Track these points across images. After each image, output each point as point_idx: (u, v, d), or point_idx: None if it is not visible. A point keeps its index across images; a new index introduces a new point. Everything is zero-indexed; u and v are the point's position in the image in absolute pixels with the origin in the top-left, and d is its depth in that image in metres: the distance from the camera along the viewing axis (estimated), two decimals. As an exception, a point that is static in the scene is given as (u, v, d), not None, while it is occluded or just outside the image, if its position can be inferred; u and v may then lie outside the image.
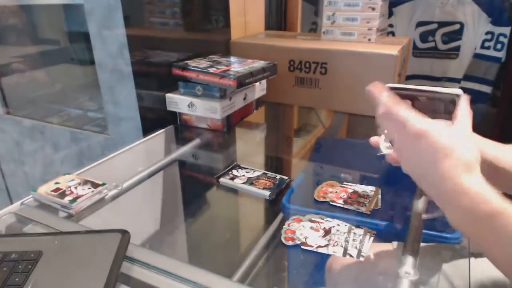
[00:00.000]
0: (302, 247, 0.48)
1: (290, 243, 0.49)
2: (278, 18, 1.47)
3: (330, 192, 0.60)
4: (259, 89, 0.99)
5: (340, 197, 0.59)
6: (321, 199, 0.59)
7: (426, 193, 0.39)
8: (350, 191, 0.61)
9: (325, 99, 0.99)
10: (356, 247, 0.48)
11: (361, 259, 0.46)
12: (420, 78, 1.66)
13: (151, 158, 0.77)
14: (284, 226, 0.53)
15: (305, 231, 0.51)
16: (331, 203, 0.57)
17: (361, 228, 0.52)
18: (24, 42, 1.15)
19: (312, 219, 0.54)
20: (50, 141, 1.04)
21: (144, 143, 0.82)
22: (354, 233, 0.50)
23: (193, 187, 0.71)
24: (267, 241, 0.51)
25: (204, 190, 0.69)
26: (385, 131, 0.40)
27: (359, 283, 0.45)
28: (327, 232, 0.51)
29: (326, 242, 0.49)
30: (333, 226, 0.52)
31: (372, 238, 0.50)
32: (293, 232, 0.51)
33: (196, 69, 0.84)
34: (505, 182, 0.42)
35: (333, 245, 0.48)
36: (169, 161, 0.75)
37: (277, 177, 0.66)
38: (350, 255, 0.47)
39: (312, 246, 0.48)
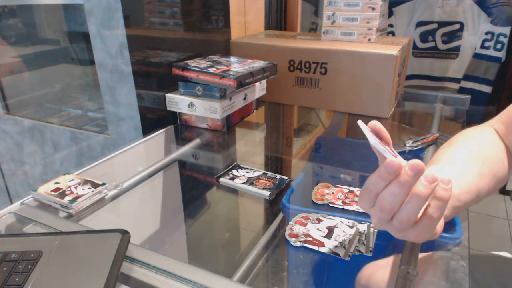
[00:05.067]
0: (305, 245, 0.48)
1: (293, 240, 0.49)
2: (278, 18, 1.47)
3: (327, 194, 0.60)
4: (259, 89, 0.99)
5: (338, 197, 0.59)
6: (320, 202, 0.58)
7: None
8: (346, 191, 0.61)
9: (325, 99, 0.99)
10: (363, 243, 0.48)
11: (369, 254, 0.46)
12: (420, 78, 1.66)
13: (151, 158, 0.77)
14: (290, 223, 0.53)
15: (310, 227, 0.51)
16: (330, 205, 0.57)
17: (364, 223, 0.52)
18: (24, 42, 1.15)
19: (319, 218, 0.54)
20: (50, 141, 1.04)
21: (144, 143, 0.82)
22: (358, 229, 0.50)
23: (193, 187, 0.71)
24: (267, 241, 0.51)
25: (204, 190, 0.69)
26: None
27: None
28: (331, 230, 0.51)
29: (330, 240, 0.49)
30: (337, 224, 0.52)
31: (376, 233, 0.50)
32: (298, 229, 0.51)
33: (196, 69, 0.84)
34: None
35: (336, 246, 0.48)
36: (169, 161, 0.75)
37: (277, 177, 0.66)
38: (359, 251, 0.47)
39: (315, 244, 0.48)
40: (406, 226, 0.36)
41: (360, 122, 0.38)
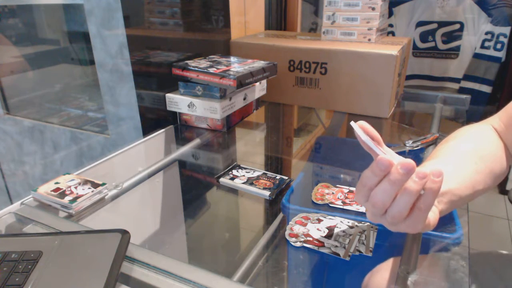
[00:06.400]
0: (305, 245, 0.48)
1: (293, 240, 0.49)
2: (278, 18, 1.47)
3: (327, 194, 0.60)
4: (259, 89, 0.99)
5: (338, 197, 0.59)
6: (320, 202, 0.58)
7: None
8: (346, 191, 0.61)
9: (325, 99, 0.99)
10: (363, 243, 0.48)
11: (369, 254, 0.46)
12: (420, 78, 1.66)
13: (151, 158, 0.77)
14: (290, 223, 0.53)
15: (310, 227, 0.51)
16: (330, 205, 0.57)
17: (364, 223, 0.52)
18: (24, 42, 1.15)
19: (319, 218, 0.54)
20: (50, 141, 1.04)
21: (144, 143, 0.82)
22: (358, 229, 0.50)
23: (193, 187, 0.71)
24: (267, 241, 0.51)
25: (204, 190, 0.69)
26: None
27: None
28: (331, 230, 0.51)
29: (330, 240, 0.49)
30: (337, 224, 0.52)
31: (376, 233, 0.50)
32: (298, 229, 0.51)
33: (196, 69, 0.84)
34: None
35: (336, 246, 0.48)
36: (169, 161, 0.75)
37: (277, 177, 0.66)
38: (359, 251, 0.47)
39: (315, 244, 0.48)
40: (398, 220, 0.37)
41: (353, 123, 0.39)
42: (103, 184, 0.60)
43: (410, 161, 0.35)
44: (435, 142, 0.77)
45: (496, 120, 0.55)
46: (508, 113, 0.53)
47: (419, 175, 0.35)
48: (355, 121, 0.38)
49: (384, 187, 0.36)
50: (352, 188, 0.62)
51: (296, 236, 0.50)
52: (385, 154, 0.37)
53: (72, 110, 1.10)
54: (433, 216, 0.40)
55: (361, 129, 0.38)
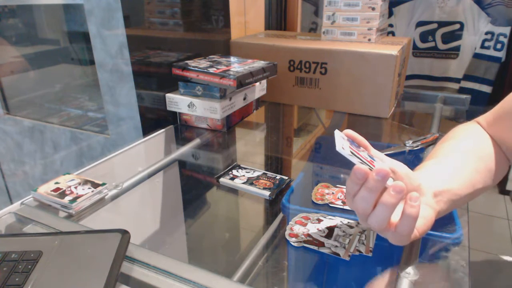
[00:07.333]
0: (305, 245, 0.48)
1: (293, 240, 0.49)
2: (278, 18, 1.47)
3: (327, 194, 0.60)
4: (259, 89, 0.99)
5: (338, 197, 0.59)
6: (320, 202, 0.58)
7: None
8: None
9: (325, 99, 0.99)
10: (363, 243, 0.48)
11: (369, 254, 0.46)
12: (420, 78, 1.66)
13: (151, 158, 0.77)
14: (290, 223, 0.53)
15: (310, 227, 0.51)
16: (330, 205, 0.57)
17: None
18: (24, 42, 1.15)
19: (319, 218, 0.54)
20: (50, 141, 1.04)
21: (144, 143, 0.82)
22: (358, 229, 0.50)
23: (193, 187, 0.71)
24: (267, 241, 0.51)
25: (204, 190, 0.69)
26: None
27: None
28: (331, 230, 0.51)
29: (330, 240, 0.49)
30: (337, 224, 0.52)
31: (376, 233, 0.50)
32: (298, 229, 0.51)
33: (196, 69, 0.84)
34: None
35: (336, 246, 0.48)
36: (169, 161, 0.75)
37: (277, 177, 0.66)
38: (359, 251, 0.47)
39: (315, 244, 0.48)
40: (378, 229, 0.39)
41: (336, 133, 0.39)
42: (103, 184, 0.60)
43: (384, 167, 0.36)
44: (435, 142, 0.77)
45: (483, 119, 0.56)
46: (502, 107, 0.53)
47: (396, 189, 0.36)
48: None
49: (363, 195, 0.38)
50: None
51: (296, 236, 0.50)
52: (369, 161, 0.38)
53: (72, 110, 1.10)
54: (423, 222, 0.41)
55: (345, 138, 0.39)
